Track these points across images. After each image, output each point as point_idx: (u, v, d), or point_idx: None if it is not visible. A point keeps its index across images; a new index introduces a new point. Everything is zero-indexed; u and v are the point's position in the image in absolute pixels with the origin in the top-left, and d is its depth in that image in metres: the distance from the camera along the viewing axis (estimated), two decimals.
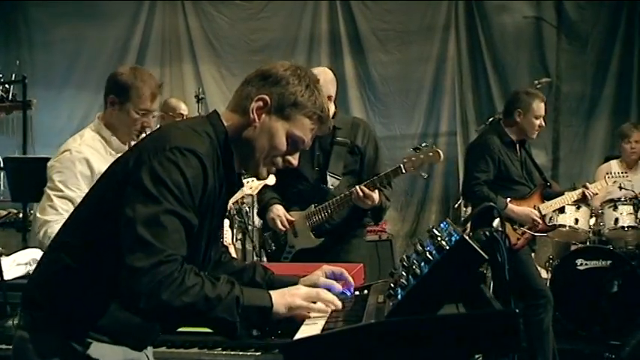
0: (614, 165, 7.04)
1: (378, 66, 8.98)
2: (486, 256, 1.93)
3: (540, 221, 5.34)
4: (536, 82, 6.79)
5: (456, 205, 7.53)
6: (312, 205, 4.57)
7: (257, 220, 6.62)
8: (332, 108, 4.51)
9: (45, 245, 3.55)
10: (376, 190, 4.46)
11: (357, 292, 2.64)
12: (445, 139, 9.06)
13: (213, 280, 2.08)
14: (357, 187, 4.44)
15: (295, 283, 2.61)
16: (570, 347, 5.79)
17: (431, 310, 1.94)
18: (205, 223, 2.25)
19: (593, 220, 6.40)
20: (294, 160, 2.35)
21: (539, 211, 5.39)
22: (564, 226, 6.01)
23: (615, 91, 8.85)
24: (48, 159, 3.83)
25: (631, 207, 6.25)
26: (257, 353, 2.76)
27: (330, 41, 9.25)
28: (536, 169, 5.64)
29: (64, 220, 3.49)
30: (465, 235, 1.95)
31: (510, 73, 8.97)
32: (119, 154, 3.65)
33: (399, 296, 2.02)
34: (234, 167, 2.33)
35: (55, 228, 3.48)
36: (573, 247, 6.45)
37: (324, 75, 4.46)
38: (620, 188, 6.15)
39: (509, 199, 5.37)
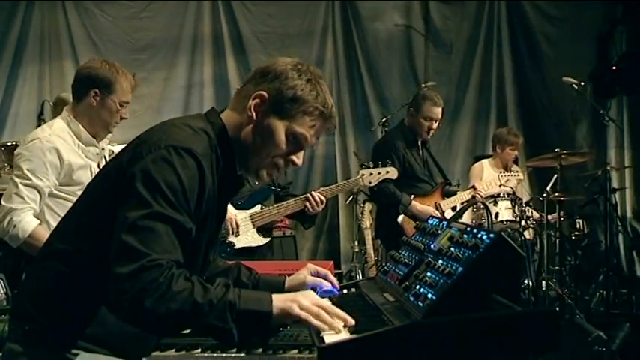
0: (487, 164, 7.25)
1: None
2: (524, 254, 1.86)
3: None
4: (423, 84, 6.88)
5: (348, 201, 7.51)
6: (259, 206, 4.44)
7: None
8: None
9: (9, 233, 3.32)
10: None
11: (344, 290, 2.53)
12: (324, 138, 8.95)
13: (206, 284, 1.85)
14: (315, 193, 4.40)
15: (282, 283, 2.47)
16: None
17: (467, 309, 1.85)
18: (206, 226, 2.05)
19: (475, 215, 6.56)
20: (297, 159, 2.14)
21: (441, 208, 5.46)
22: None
23: (477, 96, 9.17)
24: None
25: (509, 202, 6.46)
26: (241, 354, 2.56)
27: (212, 42, 8.97)
28: (437, 167, 5.71)
29: (29, 209, 3.28)
30: (502, 233, 1.87)
31: (383, 77, 9.08)
32: (89, 147, 3.52)
33: (431, 295, 1.91)
34: (235, 167, 2.13)
35: (21, 216, 3.32)
36: None
37: None
38: (500, 185, 6.32)
39: (412, 197, 5.41)
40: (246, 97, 2.10)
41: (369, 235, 6.36)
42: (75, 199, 3.43)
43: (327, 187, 4.78)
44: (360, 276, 6.70)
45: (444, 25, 9.20)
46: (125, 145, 2.10)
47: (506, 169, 7.05)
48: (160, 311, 1.76)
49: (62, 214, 3.42)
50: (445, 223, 2.33)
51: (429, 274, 2.02)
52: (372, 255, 6.34)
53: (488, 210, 2.48)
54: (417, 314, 1.88)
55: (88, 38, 8.75)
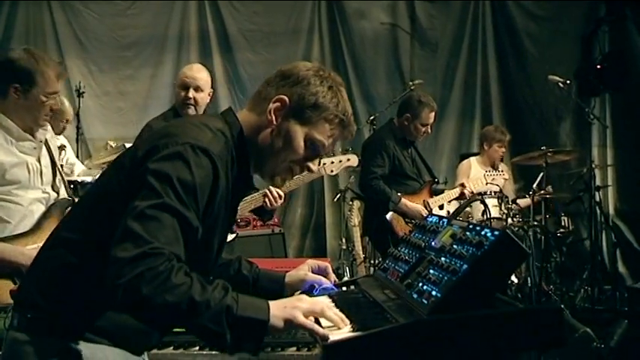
0: (474, 162, 7.27)
1: (246, 65, 8.78)
2: (529, 252, 1.85)
3: None
4: (410, 83, 6.89)
5: (336, 199, 7.49)
6: None
7: None
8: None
9: None
10: None
11: (343, 288, 2.52)
12: None
13: (204, 283, 1.80)
14: (272, 188, 4.34)
15: (282, 278, 2.45)
16: None
17: (471, 306, 1.84)
18: (217, 227, 2.04)
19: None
20: (313, 166, 2.14)
21: (429, 205, 5.48)
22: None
23: (462, 95, 9.18)
24: None
25: (496, 200, 6.47)
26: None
27: (199, 40, 8.95)
28: (424, 165, 5.73)
29: None
30: (507, 230, 1.86)
31: (369, 75, 9.08)
32: (23, 142, 3.32)
33: (435, 292, 1.90)
34: (250, 168, 2.11)
35: None
36: None
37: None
38: (487, 183, 6.33)
39: (399, 194, 5.43)
40: (266, 99, 2.08)
41: (357, 233, 6.35)
42: (13, 198, 3.30)
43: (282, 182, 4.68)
44: (347, 273, 6.69)
45: (430, 24, 9.20)
46: (141, 138, 2.07)
47: (494, 166, 7.08)
48: (156, 301, 1.72)
49: (2, 215, 3.29)
50: (445, 220, 2.32)
51: (431, 271, 2.00)
52: (361, 252, 6.33)
53: (486, 206, 2.48)
54: (422, 311, 1.87)
55: (73, 36, 8.70)
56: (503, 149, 7.19)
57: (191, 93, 4.24)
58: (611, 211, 8.80)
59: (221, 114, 2.15)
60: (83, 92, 7.33)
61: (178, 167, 1.84)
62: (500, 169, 6.83)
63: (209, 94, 4.40)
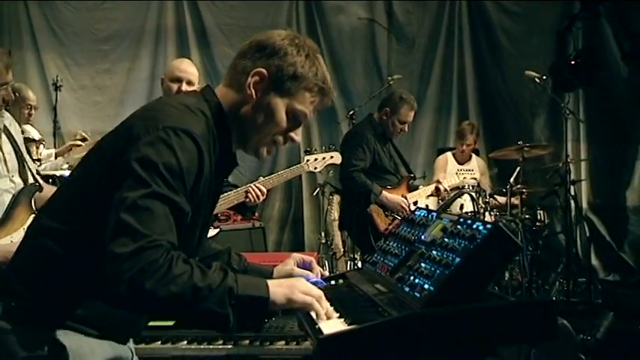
0: (450, 156, 7.31)
1: (224, 59, 8.68)
2: (521, 245, 1.85)
3: (408, 209, 5.43)
4: (388, 77, 6.89)
5: (315, 193, 7.47)
6: None
7: None
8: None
9: None
10: None
11: (332, 282, 2.51)
12: None
13: (203, 268, 1.79)
14: (255, 184, 4.31)
15: (270, 273, 2.44)
16: None
17: (463, 300, 1.84)
18: (201, 208, 2.01)
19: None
20: (296, 136, 2.10)
21: (407, 200, 5.50)
22: None
23: (439, 90, 9.20)
24: None
25: (474, 194, 6.49)
26: (227, 346, 2.53)
27: (176, 34, 8.89)
28: (402, 161, 5.75)
29: None
30: (499, 223, 1.86)
31: (347, 71, 9.08)
32: None
33: (427, 285, 1.90)
34: (232, 147, 2.08)
35: None
36: None
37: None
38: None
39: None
40: (242, 73, 2.03)
41: (336, 227, 6.34)
42: None
43: (269, 177, 4.63)
44: (327, 267, 6.68)
45: (407, 20, 9.20)
46: (120, 123, 2.02)
47: (466, 160, 7.16)
48: (160, 294, 1.69)
49: None
50: (434, 214, 2.32)
51: (423, 264, 2.00)
52: (341, 246, 6.33)
53: (474, 200, 2.47)
54: (415, 305, 1.86)
55: (49, 29, 8.61)
56: (465, 146, 7.21)
57: (184, 87, 4.20)
58: (585, 204, 8.88)
59: (200, 91, 2.11)
60: (60, 86, 7.25)
61: (162, 153, 1.80)
62: (469, 169, 6.88)
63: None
